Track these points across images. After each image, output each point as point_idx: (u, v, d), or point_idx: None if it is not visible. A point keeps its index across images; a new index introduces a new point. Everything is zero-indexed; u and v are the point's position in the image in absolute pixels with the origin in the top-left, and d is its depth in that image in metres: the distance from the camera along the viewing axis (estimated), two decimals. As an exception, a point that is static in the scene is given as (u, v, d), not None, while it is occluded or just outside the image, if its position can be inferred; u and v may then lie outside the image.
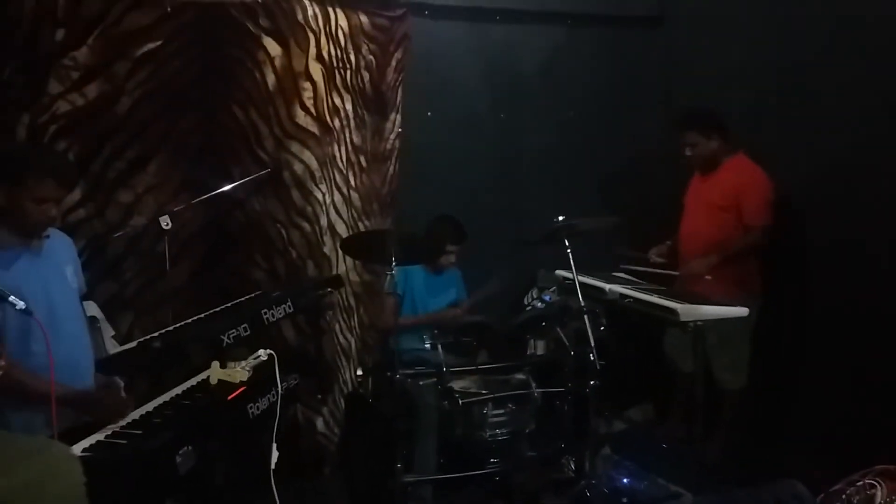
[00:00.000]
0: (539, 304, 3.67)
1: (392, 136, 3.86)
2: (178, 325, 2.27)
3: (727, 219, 3.50)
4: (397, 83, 3.84)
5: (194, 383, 2.51)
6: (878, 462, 2.11)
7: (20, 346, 2.17)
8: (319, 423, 3.65)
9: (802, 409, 3.63)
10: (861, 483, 1.98)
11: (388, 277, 2.87)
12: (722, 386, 3.54)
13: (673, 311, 2.87)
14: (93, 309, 2.84)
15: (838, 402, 3.35)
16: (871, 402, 3.16)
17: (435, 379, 3.05)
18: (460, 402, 3.07)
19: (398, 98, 3.87)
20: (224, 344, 2.03)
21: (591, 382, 2.90)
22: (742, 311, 2.97)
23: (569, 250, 3.05)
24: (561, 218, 3.04)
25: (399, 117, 3.88)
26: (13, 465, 0.87)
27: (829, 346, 3.49)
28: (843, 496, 1.97)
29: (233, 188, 3.35)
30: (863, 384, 3.26)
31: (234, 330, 2.09)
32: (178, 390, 2.45)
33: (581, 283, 3.15)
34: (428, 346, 3.01)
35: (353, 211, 3.69)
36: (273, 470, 2.31)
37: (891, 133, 3.18)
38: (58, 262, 2.39)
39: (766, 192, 3.46)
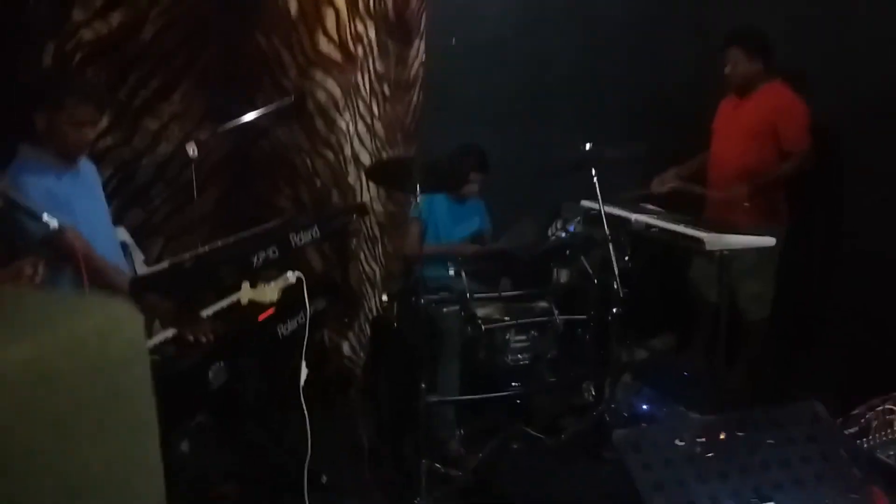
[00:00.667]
0: (563, 234, 3.67)
1: (416, 64, 3.81)
2: (208, 247, 2.32)
3: (762, 144, 3.42)
4: (421, 9, 3.76)
5: (225, 305, 2.59)
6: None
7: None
8: (346, 348, 3.74)
9: (826, 339, 3.64)
10: (881, 408, 2.00)
11: (413, 205, 2.88)
12: (745, 316, 3.55)
13: (699, 241, 2.86)
14: (123, 235, 2.92)
15: (861, 331, 3.35)
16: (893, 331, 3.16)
17: (458, 305, 3.10)
18: (483, 328, 3.12)
19: (422, 24, 3.79)
20: (254, 265, 2.08)
21: (614, 310, 2.92)
22: (769, 240, 2.94)
23: (595, 179, 3.02)
24: (588, 146, 3.00)
25: (423, 44, 3.81)
26: (62, 319, 0.89)
27: (854, 276, 3.47)
28: (863, 420, 2.00)
29: (257, 117, 3.36)
30: (886, 315, 3.25)
31: (263, 252, 2.13)
32: (209, 311, 2.53)
33: (606, 213, 3.14)
34: (452, 273, 3.04)
35: (377, 140, 3.68)
36: (302, 387, 2.38)
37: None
38: (92, 182, 2.50)
39: (804, 117, 3.37)
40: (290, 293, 2.41)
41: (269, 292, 2.19)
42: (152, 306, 2.41)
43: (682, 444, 1.54)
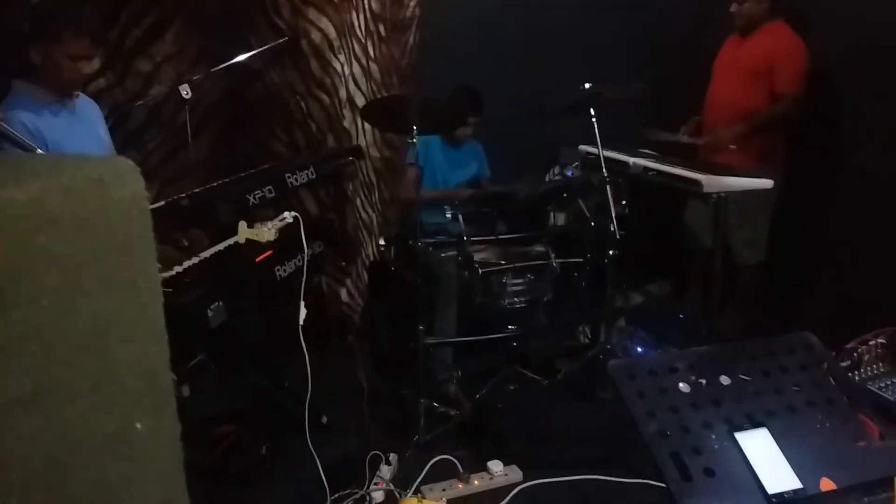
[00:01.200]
0: (560, 178, 3.66)
1: (413, 3, 3.73)
2: (204, 186, 2.31)
3: (759, 85, 3.40)
4: (419, -54, 3.69)
5: (223, 247, 2.59)
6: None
7: None
8: (343, 294, 3.75)
9: (820, 281, 3.67)
10: (873, 342, 2.03)
11: (410, 147, 2.85)
12: (740, 260, 3.57)
13: (696, 183, 2.86)
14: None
15: (855, 272, 3.38)
16: (888, 275, 3.18)
17: (455, 249, 3.10)
18: (480, 271, 3.13)
19: (420, -38, 3.72)
20: (250, 204, 2.07)
21: (610, 253, 2.93)
22: (767, 183, 2.94)
23: (594, 119, 3.00)
24: (588, 85, 2.97)
25: (420, -18, 3.74)
26: (65, 168, 0.89)
27: (849, 219, 3.48)
28: (855, 354, 2.03)
29: (250, 57, 3.31)
30: (879, 256, 3.28)
31: (259, 191, 2.13)
32: (207, 253, 2.53)
33: (605, 157, 3.13)
34: (449, 216, 3.03)
35: (373, 83, 3.63)
36: (301, 327, 2.40)
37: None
38: (91, 120, 2.49)
39: (801, 61, 3.34)
40: (288, 235, 2.41)
41: (267, 232, 2.18)
42: None
43: (676, 372, 1.56)
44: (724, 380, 1.56)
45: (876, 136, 3.33)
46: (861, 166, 3.42)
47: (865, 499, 1.58)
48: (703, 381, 1.56)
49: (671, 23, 4.14)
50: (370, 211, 3.80)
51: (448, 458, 2.75)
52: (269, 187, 2.17)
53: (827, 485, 1.43)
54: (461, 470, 2.69)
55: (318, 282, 3.56)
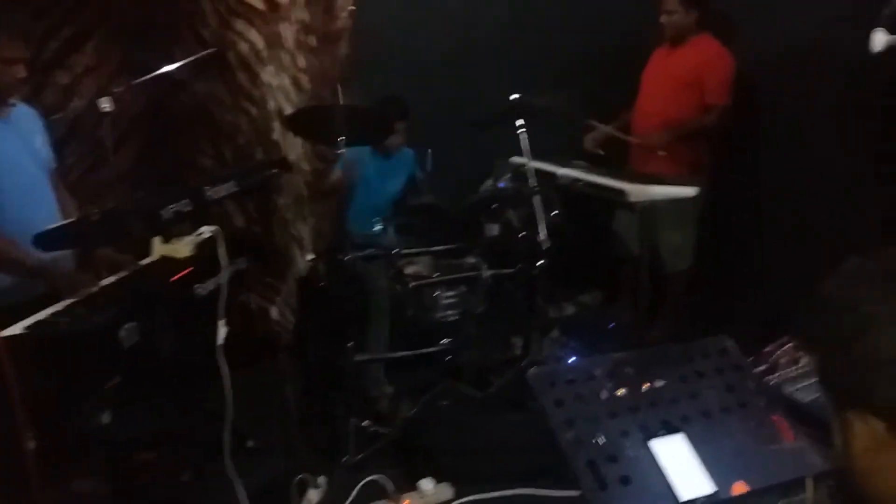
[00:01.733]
0: (494, 189, 3.66)
1: (344, 14, 3.69)
2: (118, 203, 2.23)
3: (688, 96, 3.48)
4: (349, -43, 3.66)
5: (141, 266, 2.49)
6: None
7: None
8: (274, 311, 3.67)
9: (746, 287, 3.76)
10: (789, 346, 2.07)
11: (339, 158, 2.81)
12: (669, 268, 3.63)
13: (621, 192, 2.90)
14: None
15: (780, 279, 3.47)
16: (811, 279, 3.27)
17: (386, 262, 3.06)
18: (411, 285, 3.10)
19: (350, -28, 3.69)
20: (164, 218, 1.99)
21: (539, 263, 2.93)
22: (690, 191, 3.00)
23: (523, 130, 3.01)
24: (515, 96, 2.98)
25: (352, -7, 3.71)
26: None
27: (774, 225, 3.58)
28: (773, 357, 2.06)
29: (175, 69, 3.22)
30: (803, 262, 3.37)
31: (174, 205, 2.04)
32: (127, 271, 2.44)
33: (534, 168, 3.15)
34: (378, 228, 2.99)
35: (303, 94, 3.58)
36: (222, 346, 2.31)
37: (846, 15, 3.15)
38: (27, 131, 2.41)
39: (729, 72, 3.44)
40: (208, 251, 2.33)
41: (183, 248, 2.11)
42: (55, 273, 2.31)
43: (595, 380, 1.55)
44: (642, 386, 1.56)
45: (795, 144, 3.44)
46: (781, 173, 3.53)
47: (780, 500, 1.60)
48: (622, 388, 1.56)
49: (603, 34, 4.20)
50: (301, 225, 3.73)
51: (379, 479, 2.68)
52: (186, 201, 2.09)
53: (739, 488, 1.43)
54: (392, 490, 2.64)
55: (246, 299, 3.47)
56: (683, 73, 3.50)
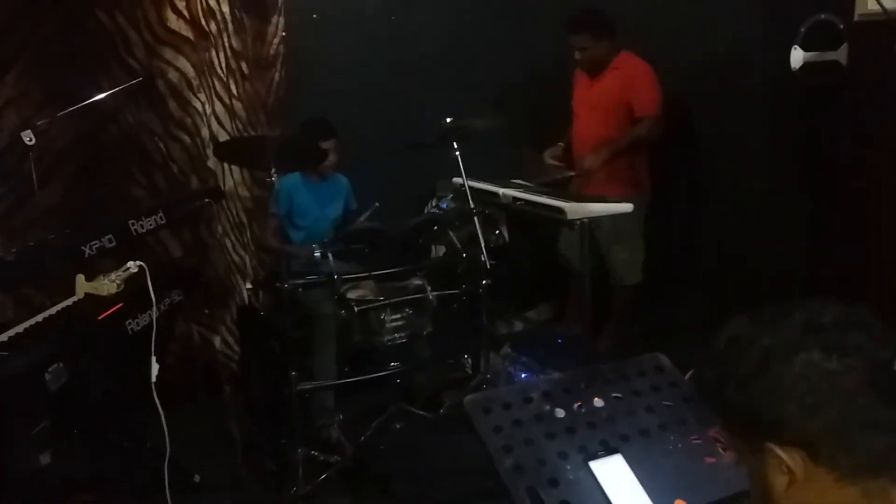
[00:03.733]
0: (436, 211, 3.65)
1: (275, 41, 3.66)
2: (37, 240, 2.14)
3: (618, 118, 3.53)
4: (278, -18, 3.63)
5: (69, 304, 2.40)
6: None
7: None
8: (217, 342, 3.57)
9: (689, 300, 3.82)
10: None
11: (271, 192, 2.76)
12: (618, 282, 3.67)
13: (560, 210, 2.91)
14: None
15: (721, 291, 3.54)
16: (749, 290, 3.35)
17: (328, 288, 3.01)
18: (356, 309, 3.06)
19: (280, -1, 3.66)
20: (86, 255, 1.92)
21: (483, 282, 2.92)
22: (627, 207, 3.04)
23: (458, 153, 3.01)
24: (449, 119, 2.98)
25: (282, 20, 3.68)
26: None
27: (711, 239, 3.66)
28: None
29: (103, 99, 3.13)
30: (741, 274, 3.45)
31: (96, 241, 1.97)
32: (51, 311, 2.34)
33: (475, 188, 3.14)
34: (318, 255, 2.94)
35: (237, 121, 3.52)
36: (157, 383, 2.24)
37: (762, 29, 3.26)
38: None
39: (654, 84, 3.50)
40: (138, 284, 2.26)
41: (108, 285, 2.03)
42: None
43: (532, 403, 1.54)
44: (578, 407, 1.56)
45: (725, 158, 3.53)
46: (718, 182, 3.61)
47: (724, 514, 1.61)
48: (559, 410, 1.55)
49: (533, 56, 4.26)
50: (242, 253, 3.66)
51: (330, 508, 2.63)
52: (109, 236, 2.02)
53: (680, 506, 1.44)
54: (344, 519, 2.59)
55: (188, 331, 3.38)
56: (609, 99, 3.55)
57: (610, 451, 1.49)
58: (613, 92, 3.53)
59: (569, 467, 1.45)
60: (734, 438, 0.95)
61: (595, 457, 1.48)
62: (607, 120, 3.58)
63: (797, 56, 2.84)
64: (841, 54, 2.82)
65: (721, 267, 3.59)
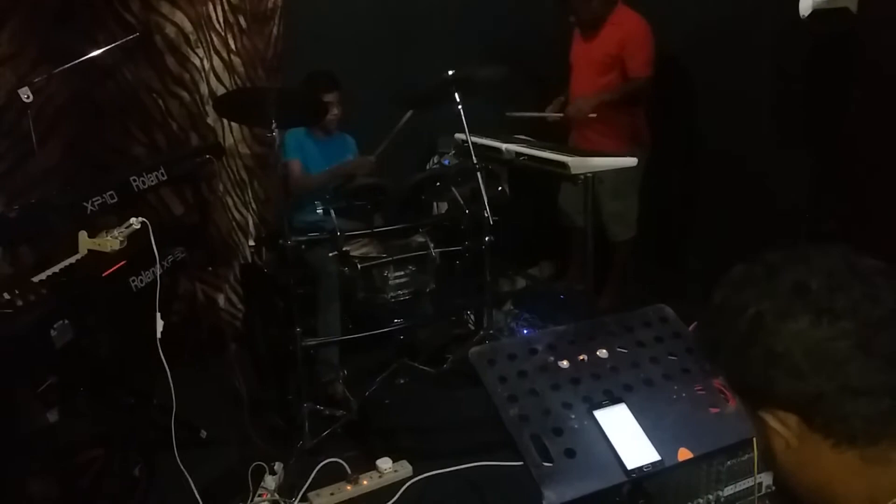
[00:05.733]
0: (438, 167, 3.63)
1: (273, -7, 3.59)
2: (39, 197, 2.12)
3: (613, 71, 3.52)
4: (275, -67, 3.54)
5: (72, 261, 2.40)
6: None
7: None
8: (221, 300, 3.59)
9: (690, 253, 3.82)
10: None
11: (277, 147, 2.73)
12: (613, 236, 3.67)
13: (564, 165, 2.89)
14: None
15: (722, 245, 3.53)
16: (752, 243, 3.34)
17: (331, 245, 3.01)
18: (360, 266, 3.06)
19: (278, -50, 3.57)
20: (88, 211, 1.91)
21: (486, 239, 2.91)
22: (631, 161, 3.01)
23: (460, 107, 2.97)
24: (451, 72, 2.93)
25: (280, -28, 3.60)
26: None
27: (712, 194, 3.63)
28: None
29: (99, 55, 3.09)
30: (743, 228, 3.43)
31: (98, 197, 1.96)
32: (55, 269, 2.34)
33: (478, 144, 3.11)
34: (320, 212, 2.93)
35: (236, 77, 3.47)
36: (162, 340, 2.25)
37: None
38: None
39: (649, 43, 3.46)
40: (141, 241, 2.26)
41: (111, 241, 2.02)
42: None
43: (536, 354, 1.54)
44: (583, 358, 1.56)
45: (732, 109, 3.48)
46: (716, 140, 3.58)
47: (728, 462, 1.63)
48: (563, 361, 1.55)
49: (534, 8, 4.17)
50: (244, 211, 3.64)
51: (336, 461, 2.66)
52: (111, 193, 2.00)
53: (684, 454, 1.45)
54: (349, 472, 2.62)
55: (192, 289, 3.38)
56: (604, 54, 3.53)
57: (614, 401, 1.50)
58: (609, 48, 3.50)
59: (573, 416, 1.46)
60: (737, 396, 0.95)
61: (599, 406, 1.48)
62: (601, 75, 3.55)
63: (806, 3, 2.77)
64: (851, 1, 2.76)
65: (724, 221, 3.58)
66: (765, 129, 3.31)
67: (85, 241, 2.01)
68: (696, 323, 2.13)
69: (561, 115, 3.63)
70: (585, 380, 1.52)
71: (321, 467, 2.65)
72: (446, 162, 3.62)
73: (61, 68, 3.02)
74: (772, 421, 0.87)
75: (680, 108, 3.71)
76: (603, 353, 1.58)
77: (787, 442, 0.87)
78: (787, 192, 3.25)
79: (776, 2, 3.05)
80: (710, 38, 3.47)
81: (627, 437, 1.44)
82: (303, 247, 2.87)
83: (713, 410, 1.54)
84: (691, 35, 3.54)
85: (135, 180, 2.11)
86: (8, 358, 1.96)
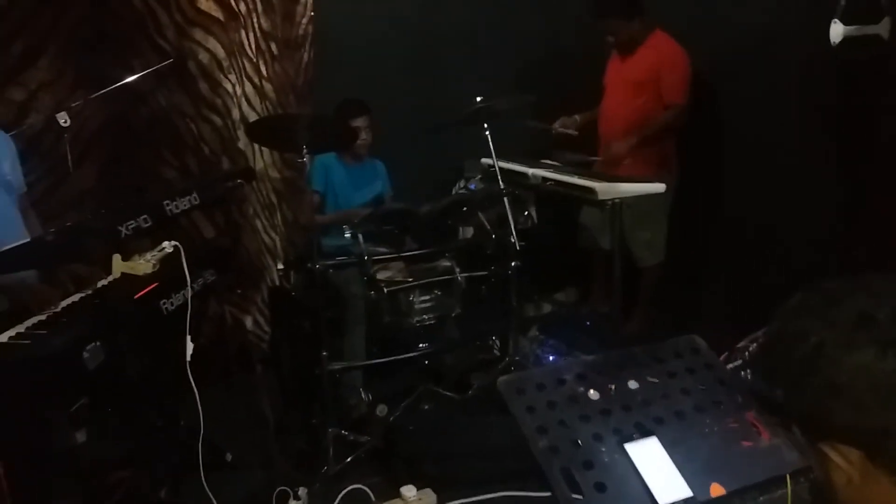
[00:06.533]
0: (464, 192, 3.64)
1: (304, 21, 3.65)
2: (75, 221, 2.17)
3: (647, 97, 3.50)
4: (307, -38, 3.62)
5: (105, 283, 2.43)
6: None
7: None
8: (249, 322, 3.61)
9: (717, 281, 3.77)
10: (762, 340, 2.06)
11: (307, 173, 2.76)
12: (640, 263, 3.64)
13: (591, 190, 2.89)
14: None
15: (751, 272, 3.49)
16: (780, 271, 3.30)
17: (358, 269, 3.02)
18: (386, 290, 3.06)
19: (309, -22, 3.65)
20: (122, 235, 1.94)
21: (513, 264, 2.91)
22: (659, 187, 3.00)
23: (487, 133, 2.99)
24: (479, 99, 2.95)
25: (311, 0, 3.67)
26: None
27: (741, 220, 3.60)
28: (746, 353, 2.06)
29: (134, 81, 3.16)
30: (771, 255, 3.39)
31: (132, 221, 1.99)
32: (88, 291, 2.38)
33: (504, 169, 3.12)
34: (348, 235, 2.95)
35: (267, 102, 3.53)
36: (191, 362, 2.27)
37: (798, 11, 3.18)
38: None
39: (685, 70, 3.45)
40: (173, 266, 2.28)
41: (144, 264, 2.05)
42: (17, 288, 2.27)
43: (565, 384, 1.53)
44: (613, 389, 1.54)
45: (761, 137, 3.46)
46: (747, 166, 3.54)
47: (760, 498, 1.59)
48: (592, 392, 1.54)
49: (562, 34, 4.20)
50: (273, 234, 3.68)
51: (360, 488, 2.65)
52: (145, 216, 2.04)
53: (717, 490, 1.42)
54: (373, 499, 2.60)
55: (220, 311, 3.41)
56: (639, 77, 3.52)
57: (645, 434, 1.48)
58: (644, 74, 3.49)
59: (603, 449, 1.44)
60: (794, 426, 0.91)
61: (630, 439, 1.46)
62: (635, 99, 3.54)
63: (836, 30, 2.76)
64: (883, 28, 2.74)
65: (752, 248, 3.53)
66: (795, 157, 3.27)
67: (119, 265, 2.05)
68: (726, 354, 2.12)
69: (596, 159, 3.60)
70: (616, 411, 1.51)
71: (345, 494, 2.63)
72: (472, 186, 3.63)
73: (97, 93, 3.10)
74: (833, 455, 0.84)
75: (709, 134, 3.68)
76: (633, 383, 1.57)
77: (850, 478, 0.84)
78: (817, 221, 3.21)
79: (806, 29, 3.04)
80: (739, 65, 3.45)
81: (659, 472, 1.42)
82: (330, 270, 2.89)
83: (746, 444, 1.51)
84: (720, 62, 3.53)
85: (168, 204, 2.15)
86: (41, 378, 1.99)
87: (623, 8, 3.47)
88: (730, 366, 1.93)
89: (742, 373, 1.95)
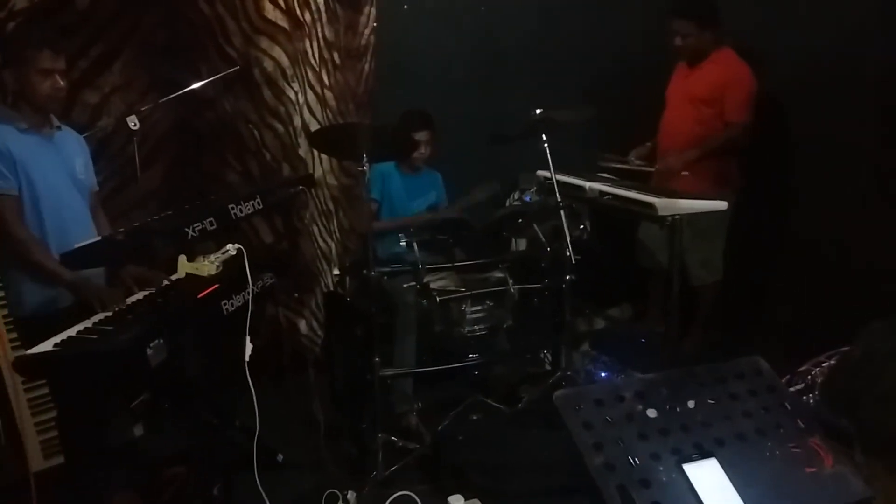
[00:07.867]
0: (519, 203, 3.63)
1: (367, 31, 3.71)
2: (144, 221, 2.25)
3: (709, 113, 3.44)
4: (371, -26, 3.68)
5: (168, 284, 2.51)
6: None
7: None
8: (303, 326, 3.67)
9: (777, 302, 3.68)
10: (826, 364, 2.00)
11: (365, 181, 2.80)
12: (697, 281, 3.57)
13: (651, 206, 2.84)
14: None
15: (812, 292, 3.39)
16: (843, 292, 3.20)
17: (412, 277, 3.04)
18: (438, 299, 3.08)
19: (372, -10, 3.71)
20: (189, 237, 2.00)
21: (567, 278, 2.89)
22: (721, 204, 2.94)
23: (546, 145, 2.98)
24: (539, 111, 2.95)
25: (374, 11, 3.72)
26: None
27: (803, 239, 3.50)
28: (809, 377, 2.00)
29: (201, 87, 3.26)
30: (834, 276, 3.29)
31: (199, 223, 2.06)
32: (153, 289, 2.45)
33: (561, 182, 3.11)
34: (403, 244, 2.98)
35: (328, 111, 3.59)
36: (248, 363, 2.31)
37: (877, 17, 3.08)
38: (67, 153, 2.57)
39: (750, 89, 3.39)
40: (234, 268, 2.34)
41: (208, 266, 2.11)
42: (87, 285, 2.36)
43: (624, 402, 1.51)
44: (673, 409, 1.52)
45: (825, 158, 3.37)
46: (812, 187, 3.45)
47: (821, 527, 1.54)
48: (651, 411, 1.51)
49: (624, 48, 4.16)
50: (329, 240, 3.74)
51: (408, 495, 2.66)
52: (211, 219, 2.10)
53: (778, 515, 1.39)
54: (422, 506, 2.61)
55: (276, 314, 3.48)
56: (704, 91, 3.47)
57: (704, 455, 1.45)
58: (708, 88, 3.44)
59: (661, 468, 1.42)
60: (868, 455, 0.88)
61: (689, 459, 1.44)
62: (697, 114, 3.49)
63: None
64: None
65: (815, 272, 3.43)
66: (865, 178, 3.18)
67: (184, 265, 2.11)
68: (788, 376, 2.06)
69: (652, 169, 3.57)
70: (674, 431, 1.49)
71: (393, 499, 2.64)
72: (527, 198, 3.62)
73: (166, 98, 3.21)
74: None
75: (776, 152, 3.60)
76: (692, 403, 1.54)
77: None
78: (883, 247, 3.10)
79: (881, 45, 2.95)
80: (812, 83, 3.37)
81: (718, 494, 1.40)
82: (385, 277, 2.91)
83: (809, 470, 1.47)
84: (793, 79, 3.45)
85: (233, 208, 2.21)
86: (107, 373, 2.06)
87: (701, 13, 3.42)
88: (791, 389, 1.87)
89: (804, 397, 1.89)
